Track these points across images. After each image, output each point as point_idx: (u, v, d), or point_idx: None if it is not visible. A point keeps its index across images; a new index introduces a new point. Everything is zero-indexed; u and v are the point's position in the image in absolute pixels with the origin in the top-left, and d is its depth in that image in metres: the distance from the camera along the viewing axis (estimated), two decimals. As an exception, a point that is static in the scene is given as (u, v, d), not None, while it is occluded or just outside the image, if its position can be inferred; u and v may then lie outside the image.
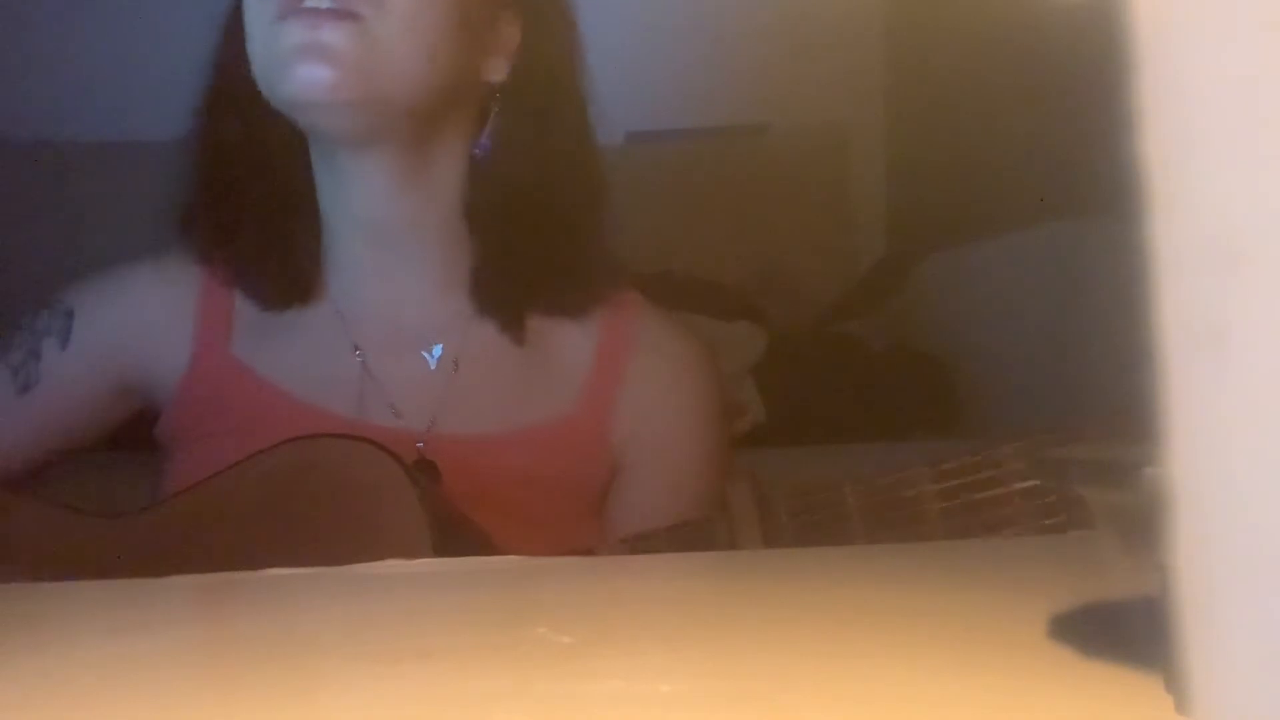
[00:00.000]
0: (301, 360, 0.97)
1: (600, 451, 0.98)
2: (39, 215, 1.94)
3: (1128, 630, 0.38)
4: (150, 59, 2.12)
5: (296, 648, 0.50)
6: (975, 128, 1.92)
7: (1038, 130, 1.69)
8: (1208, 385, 0.20)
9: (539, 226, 0.97)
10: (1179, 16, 0.20)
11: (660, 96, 2.04)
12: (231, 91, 0.94)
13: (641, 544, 0.83)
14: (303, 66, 0.86)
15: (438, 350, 0.97)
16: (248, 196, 0.98)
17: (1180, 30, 0.20)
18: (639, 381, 0.99)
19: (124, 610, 0.62)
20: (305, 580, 0.65)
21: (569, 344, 0.99)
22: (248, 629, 0.57)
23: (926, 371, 1.71)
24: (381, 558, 0.66)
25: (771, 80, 2.18)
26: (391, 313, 0.97)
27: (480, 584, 0.66)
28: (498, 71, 0.95)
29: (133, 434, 1.02)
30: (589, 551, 0.81)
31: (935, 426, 1.66)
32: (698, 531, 0.83)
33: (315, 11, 0.85)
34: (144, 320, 0.99)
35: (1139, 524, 0.35)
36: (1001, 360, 1.61)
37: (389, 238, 0.96)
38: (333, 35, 0.85)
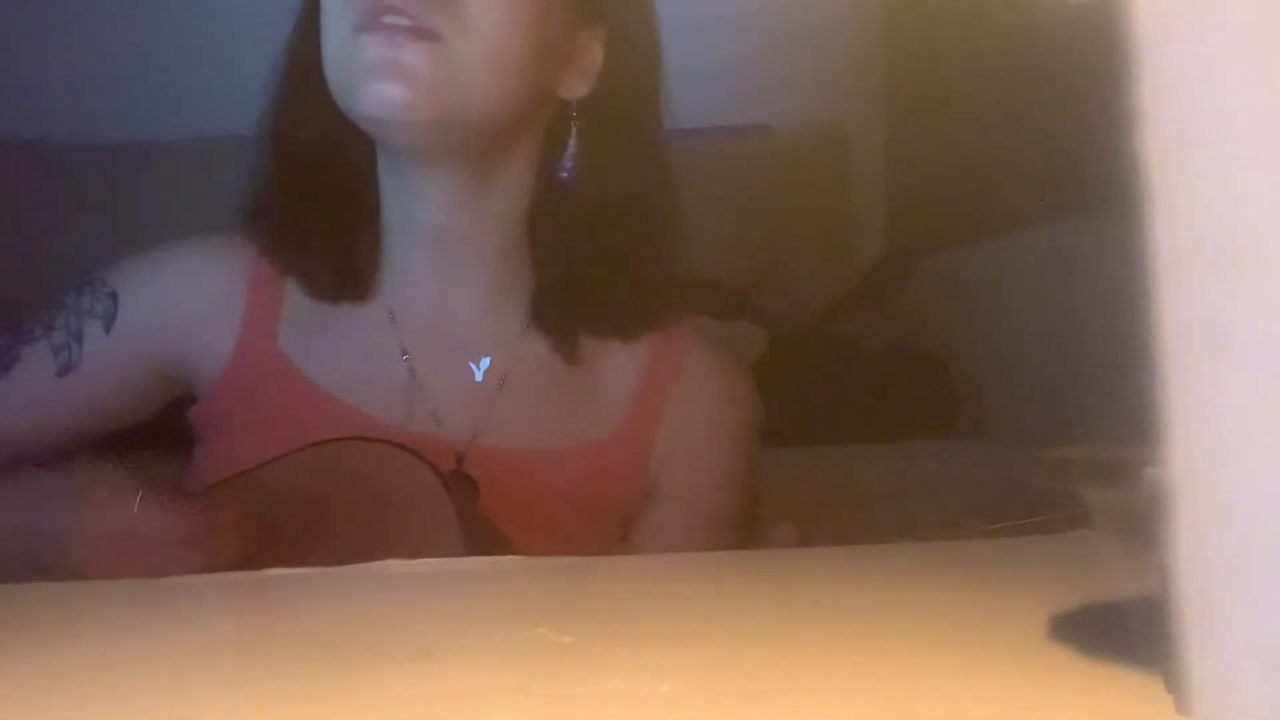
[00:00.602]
0: (347, 359, 0.97)
1: (637, 476, 0.97)
2: (39, 215, 1.94)
3: (1128, 630, 0.38)
4: (150, 60, 2.12)
5: (296, 647, 0.50)
6: (975, 128, 1.91)
7: (1037, 130, 1.69)
8: (1208, 385, 0.20)
9: (607, 248, 0.96)
10: (1179, 16, 0.20)
11: (660, 96, 2.03)
12: (304, 90, 0.94)
13: None
14: (378, 84, 0.85)
15: (485, 363, 0.97)
16: (315, 192, 0.97)
17: (1180, 30, 0.20)
18: (681, 410, 0.99)
19: (124, 610, 0.62)
20: (305, 580, 0.65)
21: (616, 367, 0.99)
22: (248, 629, 0.57)
23: (926, 371, 1.71)
24: None
25: (772, 80, 2.18)
26: (443, 321, 0.97)
27: (480, 584, 0.66)
28: (575, 89, 0.94)
29: (154, 429, 1.01)
30: None
31: (935, 427, 1.66)
32: None
33: (395, 28, 0.84)
34: (190, 307, 0.98)
35: (1139, 524, 0.35)
36: (1001, 360, 1.61)
37: (449, 247, 0.95)
38: (411, 56, 0.84)
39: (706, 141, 2.06)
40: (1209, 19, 0.20)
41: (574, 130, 0.94)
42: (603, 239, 0.96)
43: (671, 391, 0.99)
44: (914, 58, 2.19)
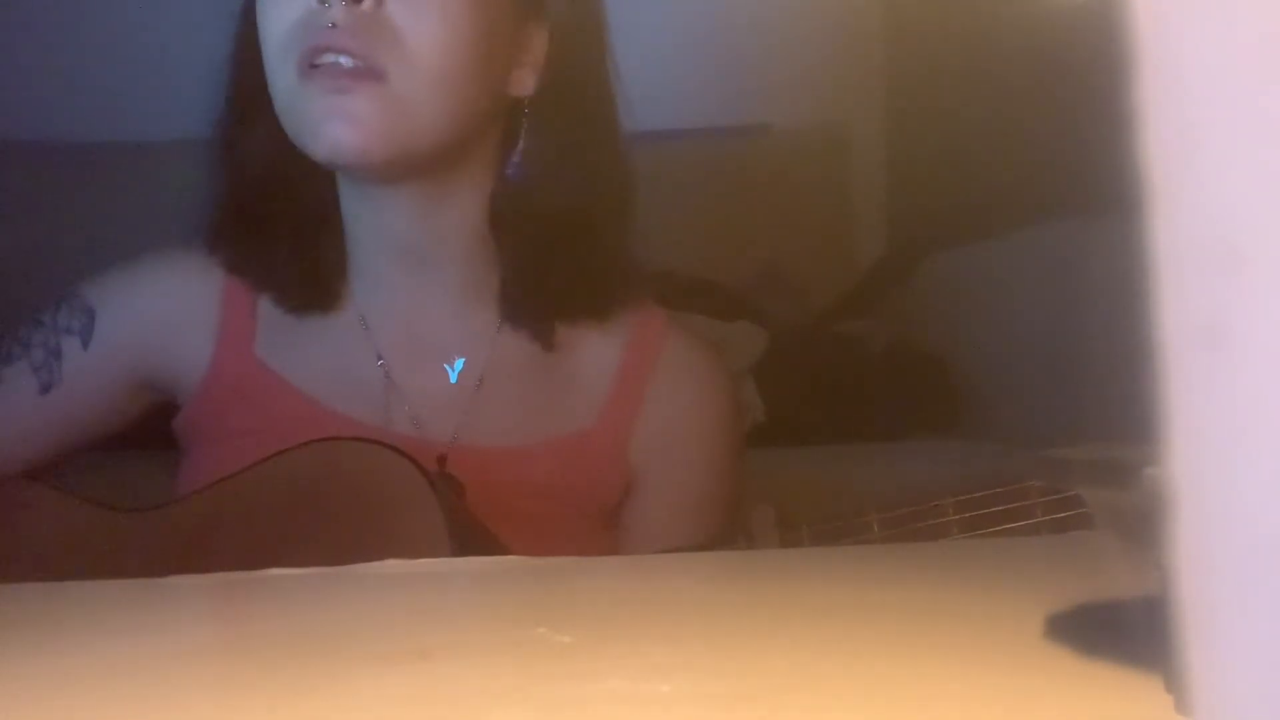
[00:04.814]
0: (324, 365, 0.97)
1: (617, 465, 0.98)
2: (39, 215, 1.94)
3: (1128, 630, 0.38)
4: (151, 59, 2.12)
5: (297, 647, 0.50)
6: (975, 128, 1.91)
7: (1038, 130, 1.69)
8: (1208, 385, 0.20)
9: (566, 236, 0.96)
10: (1179, 15, 0.20)
11: (660, 96, 2.03)
12: (253, 108, 0.94)
13: None
14: (329, 130, 0.85)
15: (460, 364, 0.97)
16: (274, 208, 0.97)
17: (1180, 30, 0.20)
18: (660, 399, 0.99)
19: (126, 610, 0.62)
20: (306, 580, 0.65)
21: (593, 358, 0.99)
22: (248, 629, 0.57)
23: (926, 371, 1.71)
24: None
25: (771, 80, 2.18)
26: (415, 324, 0.97)
27: (481, 584, 0.66)
28: (525, 85, 0.94)
29: (147, 431, 1.02)
30: None
31: (935, 426, 1.66)
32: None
33: (337, 70, 0.84)
34: (166, 318, 0.99)
35: (1139, 524, 0.35)
36: (1001, 360, 1.61)
37: (414, 256, 0.96)
38: (357, 101, 0.84)
39: (706, 141, 2.06)
40: (1210, 18, 0.20)
41: (524, 127, 0.95)
42: (559, 230, 0.96)
43: (650, 379, 0.99)
44: (914, 58, 2.19)
